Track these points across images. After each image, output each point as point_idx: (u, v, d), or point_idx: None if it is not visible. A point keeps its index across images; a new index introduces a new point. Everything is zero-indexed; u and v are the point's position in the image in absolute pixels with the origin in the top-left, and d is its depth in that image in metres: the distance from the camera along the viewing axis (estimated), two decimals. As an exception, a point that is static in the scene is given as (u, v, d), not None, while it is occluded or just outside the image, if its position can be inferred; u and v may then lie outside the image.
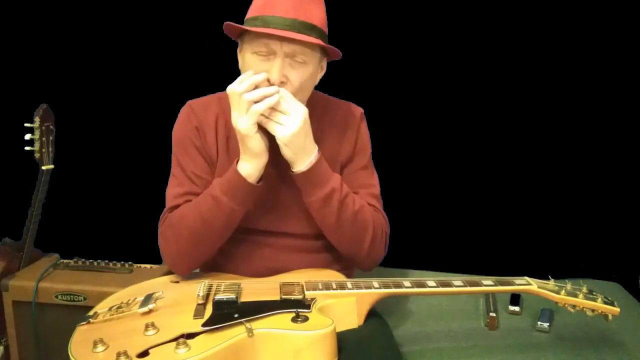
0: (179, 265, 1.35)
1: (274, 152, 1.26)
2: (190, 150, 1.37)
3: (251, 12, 1.27)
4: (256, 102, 1.18)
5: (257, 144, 1.22)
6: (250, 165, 1.24)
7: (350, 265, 1.43)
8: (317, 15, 1.26)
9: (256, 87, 1.20)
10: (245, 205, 1.27)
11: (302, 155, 1.25)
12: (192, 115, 1.38)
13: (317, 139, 1.28)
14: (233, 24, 1.24)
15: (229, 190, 1.25)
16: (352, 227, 1.31)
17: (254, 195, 1.28)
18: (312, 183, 1.27)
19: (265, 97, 1.18)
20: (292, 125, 1.20)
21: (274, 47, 1.22)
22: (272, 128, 1.21)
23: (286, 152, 1.23)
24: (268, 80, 1.21)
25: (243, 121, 1.19)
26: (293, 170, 1.27)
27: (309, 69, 1.26)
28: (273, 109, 1.20)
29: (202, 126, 1.37)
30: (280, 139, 1.21)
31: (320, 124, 1.37)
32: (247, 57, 1.26)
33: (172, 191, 1.37)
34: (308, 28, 1.22)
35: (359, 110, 1.46)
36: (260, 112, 1.18)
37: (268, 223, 1.36)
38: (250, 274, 1.36)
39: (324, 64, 1.34)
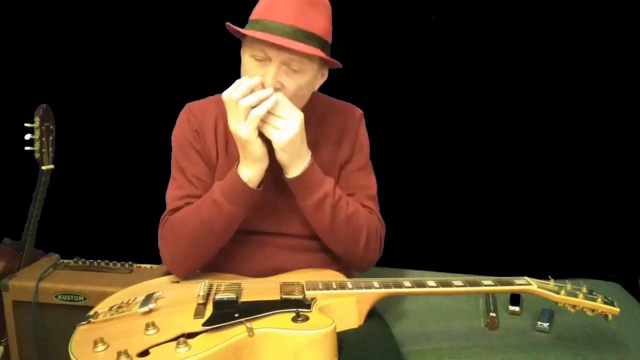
0: (179, 266, 1.35)
1: (271, 156, 1.26)
2: (190, 153, 1.36)
3: (254, 14, 1.26)
4: (253, 107, 1.18)
5: (258, 148, 1.21)
6: (252, 171, 1.24)
7: (347, 266, 1.43)
8: (320, 24, 1.23)
9: (252, 91, 1.19)
10: (245, 208, 1.28)
11: (297, 160, 1.25)
12: (191, 118, 1.38)
13: (317, 141, 1.28)
14: (232, 25, 1.24)
15: (230, 194, 1.25)
16: (345, 230, 1.31)
17: (255, 199, 1.28)
18: (305, 188, 1.28)
19: (261, 100, 1.18)
20: (289, 130, 1.20)
21: (270, 54, 1.20)
22: (269, 132, 1.21)
23: (282, 156, 1.23)
24: (263, 85, 1.21)
25: (243, 127, 1.18)
26: (287, 175, 1.27)
27: (305, 77, 1.25)
28: (270, 112, 1.19)
29: (202, 129, 1.36)
30: (277, 144, 1.21)
31: (320, 127, 1.37)
32: (246, 59, 1.25)
33: (173, 194, 1.37)
34: (307, 37, 1.20)
35: (358, 112, 1.46)
36: (260, 116, 1.18)
37: (268, 225, 1.36)
38: (251, 273, 1.36)
39: (325, 72, 1.33)
